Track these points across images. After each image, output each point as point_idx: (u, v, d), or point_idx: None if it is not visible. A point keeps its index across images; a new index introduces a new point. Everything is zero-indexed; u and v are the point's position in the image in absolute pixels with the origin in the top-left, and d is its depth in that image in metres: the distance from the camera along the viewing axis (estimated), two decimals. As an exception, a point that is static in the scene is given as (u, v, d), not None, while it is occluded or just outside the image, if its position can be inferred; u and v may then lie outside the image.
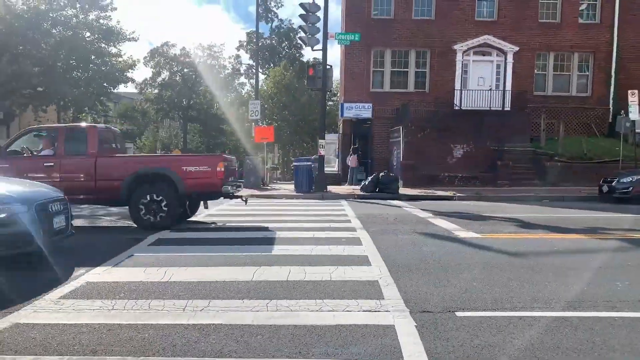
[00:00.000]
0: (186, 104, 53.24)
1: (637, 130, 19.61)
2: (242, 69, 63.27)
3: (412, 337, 3.98)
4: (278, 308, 4.69)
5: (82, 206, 12.76)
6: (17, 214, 5.91)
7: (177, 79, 53.17)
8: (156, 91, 53.18)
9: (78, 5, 30.08)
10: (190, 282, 5.63)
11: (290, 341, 3.91)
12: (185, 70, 52.71)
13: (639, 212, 12.83)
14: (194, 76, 51.67)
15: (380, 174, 18.71)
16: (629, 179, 15.71)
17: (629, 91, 19.96)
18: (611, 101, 25.29)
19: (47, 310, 4.65)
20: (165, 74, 53.62)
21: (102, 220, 11.59)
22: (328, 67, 19.75)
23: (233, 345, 3.81)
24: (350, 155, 24.35)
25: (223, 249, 7.57)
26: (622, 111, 21.77)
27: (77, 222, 9.15)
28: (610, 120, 24.93)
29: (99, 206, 12.57)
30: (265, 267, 6.33)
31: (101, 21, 31.09)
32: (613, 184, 15.92)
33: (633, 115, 19.74)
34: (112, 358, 3.60)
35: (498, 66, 25.62)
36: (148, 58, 52.35)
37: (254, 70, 55.88)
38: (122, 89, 38.78)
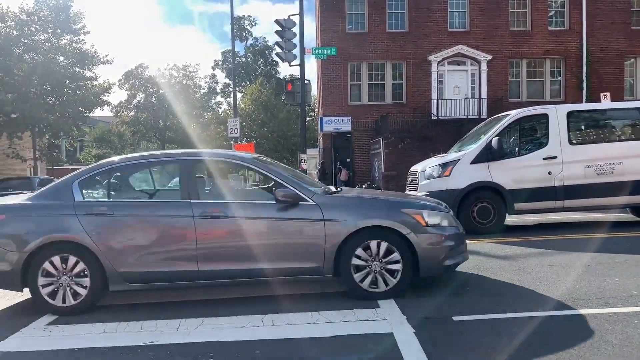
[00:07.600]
0: (163, 125, 52.91)
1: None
2: (218, 87, 63.48)
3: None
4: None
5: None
6: None
7: (153, 100, 52.83)
8: (132, 113, 52.74)
9: (50, 30, 29.78)
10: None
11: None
12: (160, 91, 52.42)
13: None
14: (169, 97, 51.38)
15: (363, 186, 18.81)
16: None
17: (602, 94, 20.29)
18: (584, 105, 25.87)
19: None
20: (140, 96, 53.26)
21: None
22: (306, 81, 19.80)
23: None
24: (341, 170, 24.87)
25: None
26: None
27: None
28: (584, 123, 25.41)
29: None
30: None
31: (74, 45, 30.78)
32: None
33: (607, 118, 20.12)
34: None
35: (473, 75, 26.02)
36: (123, 80, 51.97)
37: (230, 89, 56.10)
38: (98, 112, 38.32)
